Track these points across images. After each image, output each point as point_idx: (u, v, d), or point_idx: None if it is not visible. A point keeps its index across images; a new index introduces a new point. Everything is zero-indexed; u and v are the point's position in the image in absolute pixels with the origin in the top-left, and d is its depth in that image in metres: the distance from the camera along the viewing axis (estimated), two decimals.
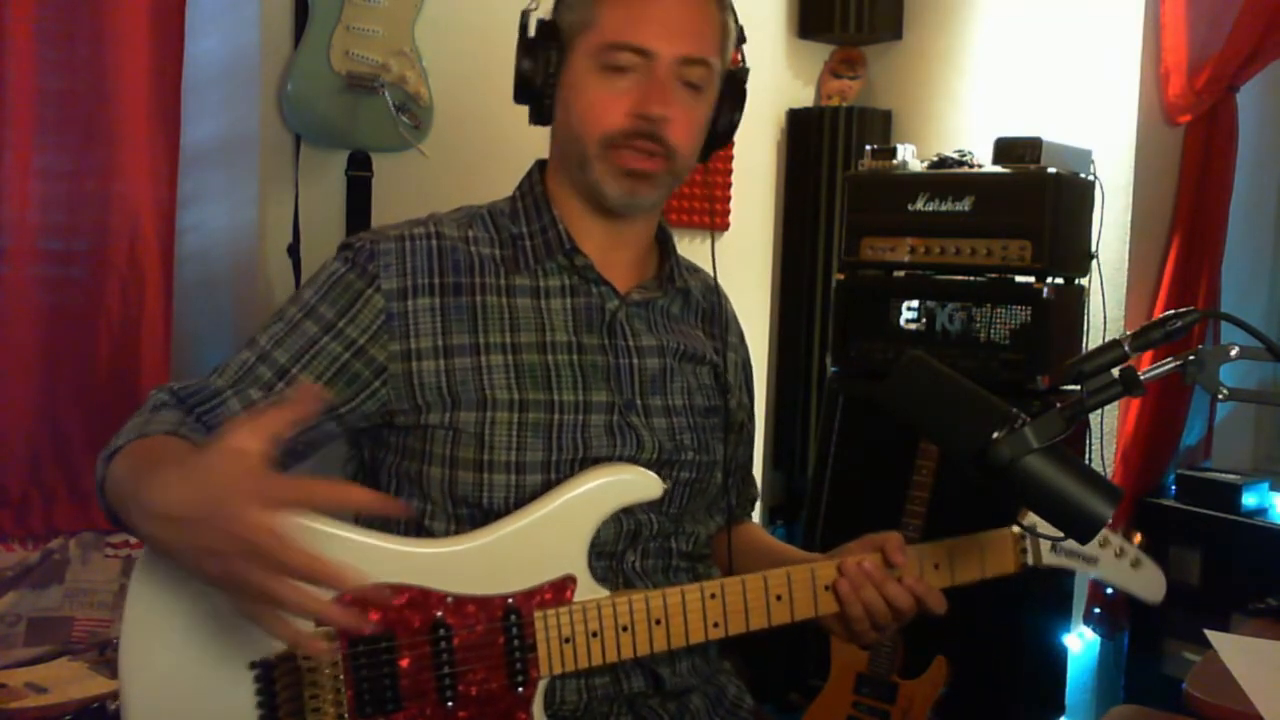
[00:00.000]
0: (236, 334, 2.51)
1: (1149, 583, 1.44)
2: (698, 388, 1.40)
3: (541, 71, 1.32)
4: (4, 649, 2.14)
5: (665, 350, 1.38)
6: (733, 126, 1.40)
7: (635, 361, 1.35)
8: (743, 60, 1.41)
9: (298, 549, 0.95)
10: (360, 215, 2.53)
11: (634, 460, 1.30)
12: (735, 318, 1.56)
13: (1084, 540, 1.23)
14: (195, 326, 2.51)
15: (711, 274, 1.50)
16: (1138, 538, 1.46)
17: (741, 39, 1.39)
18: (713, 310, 1.49)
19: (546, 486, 1.25)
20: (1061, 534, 1.19)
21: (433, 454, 1.27)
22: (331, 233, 2.49)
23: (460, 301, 1.29)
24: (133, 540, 2.20)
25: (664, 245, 1.44)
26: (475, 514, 1.26)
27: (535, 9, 1.36)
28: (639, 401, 1.34)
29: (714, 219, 3.27)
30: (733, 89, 1.38)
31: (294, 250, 2.44)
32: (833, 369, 2.98)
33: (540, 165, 1.41)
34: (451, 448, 1.26)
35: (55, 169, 2.27)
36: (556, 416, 1.28)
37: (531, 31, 1.34)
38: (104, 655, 2.15)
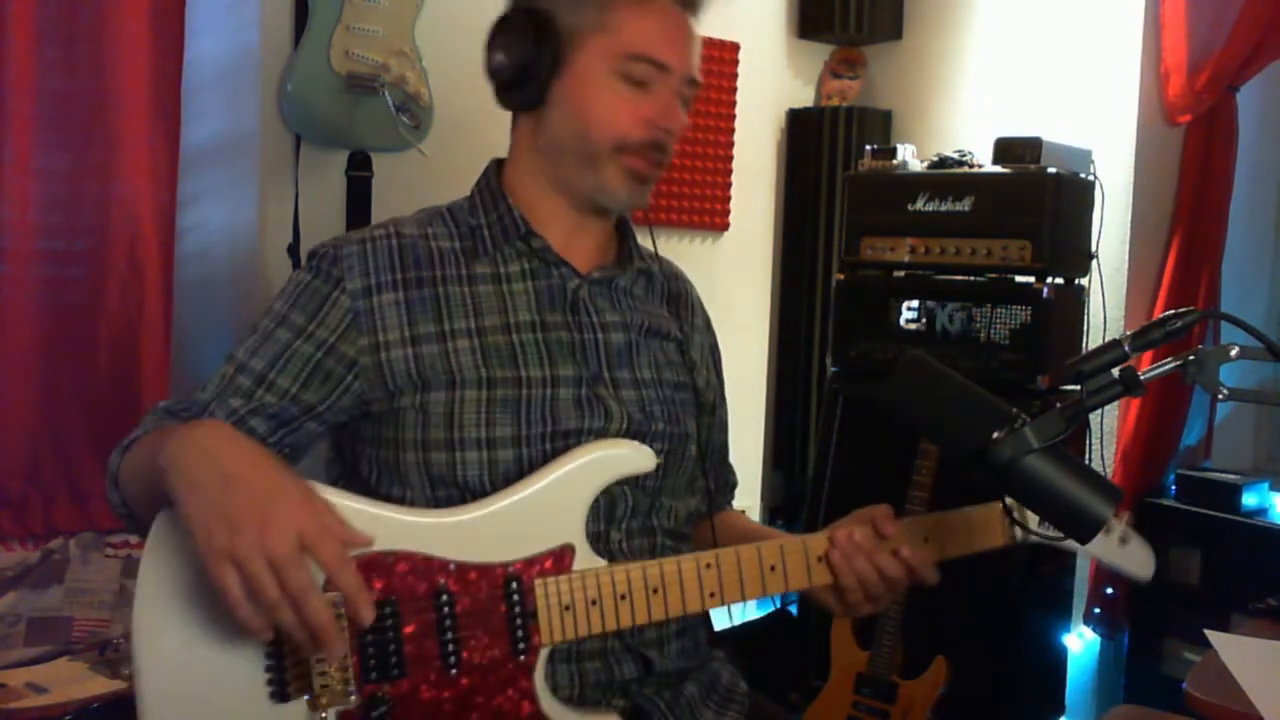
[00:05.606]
0: (236, 334, 2.51)
1: (1138, 559, 1.45)
2: (666, 363, 1.44)
3: (534, 60, 1.35)
4: (4, 649, 2.14)
5: (630, 326, 1.42)
6: None
7: (600, 336, 1.38)
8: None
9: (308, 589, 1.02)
10: (360, 215, 2.53)
11: (604, 431, 1.33)
12: (701, 304, 1.60)
13: (1084, 541, 1.22)
14: (195, 326, 2.51)
15: (673, 263, 1.57)
16: (1126, 515, 1.46)
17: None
18: (677, 295, 1.54)
19: (518, 461, 1.28)
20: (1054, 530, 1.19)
21: (405, 440, 1.30)
22: (331, 232, 2.46)
23: (423, 294, 1.33)
24: (133, 540, 2.20)
25: (622, 230, 1.48)
26: (453, 493, 1.29)
27: None
28: (606, 374, 1.37)
29: (713, 219, 3.27)
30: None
31: (294, 250, 2.44)
32: (833, 369, 2.98)
33: (497, 163, 1.46)
34: (422, 430, 1.29)
35: (55, 169, 2.27)
36: (524, 392, 1.31)
37: (522, 17, 1.36)
38: (104, 655, 2.14)
